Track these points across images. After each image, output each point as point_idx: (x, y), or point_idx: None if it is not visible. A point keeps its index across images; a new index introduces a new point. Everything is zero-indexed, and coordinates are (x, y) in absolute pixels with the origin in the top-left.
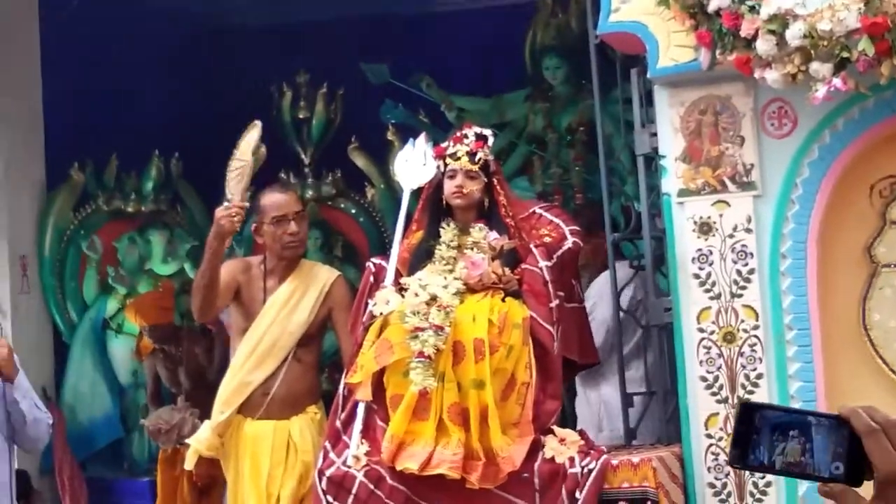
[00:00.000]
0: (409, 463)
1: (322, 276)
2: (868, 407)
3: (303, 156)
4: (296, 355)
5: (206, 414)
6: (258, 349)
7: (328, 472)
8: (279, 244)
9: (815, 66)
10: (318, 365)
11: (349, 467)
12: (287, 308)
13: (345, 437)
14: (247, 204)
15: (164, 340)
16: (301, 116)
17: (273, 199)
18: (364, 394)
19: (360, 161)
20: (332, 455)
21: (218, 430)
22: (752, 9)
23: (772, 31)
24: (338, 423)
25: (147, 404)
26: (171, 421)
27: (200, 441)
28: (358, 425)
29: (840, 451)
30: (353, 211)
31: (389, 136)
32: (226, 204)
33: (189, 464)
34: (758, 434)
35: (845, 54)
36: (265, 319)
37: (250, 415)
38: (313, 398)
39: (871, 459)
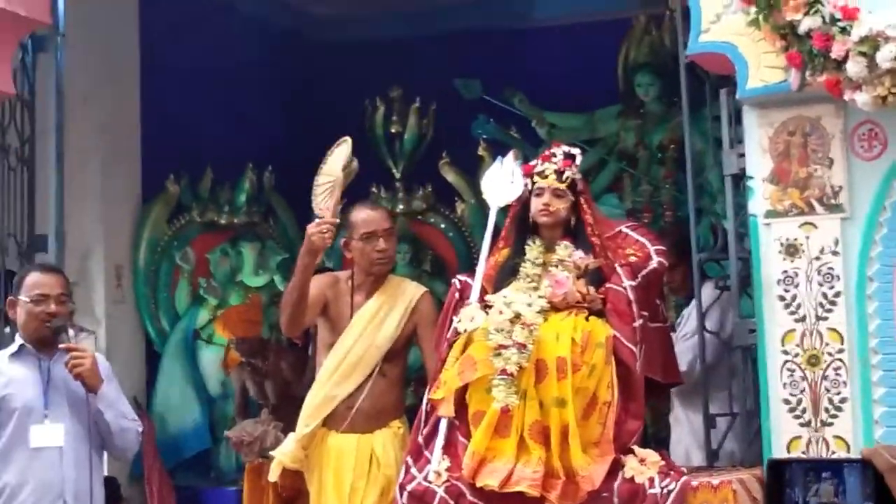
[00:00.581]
0: (490, 479)
1: (409, 291)
2: (890, 446)
3: (394, 170)
4: (381, 370)
5: (290, 427)
6: (344, 363)
7: (409, 487)
8: (367, 260)
9: None
10: (404, 380)
11: (430, 482)
12: (374, 323)
13: (426, 453)
14: (337, 220)
15: (251, 354)
16: (393, 131)
17: (363, 216)
18: (447, 410)
19: (450, 176)
20: (413, 470)
21: (302, 443)
22: (843, 30)
23: (863, 53)
24: (420, 439)
25: (234, 416)
26: (253, 433)
27: (285, 453)
28: (440, 441)
29: (868, 491)
30: (443, 226)
31: (480, 151)
32: (317, 220)
33: (273, 475)
34: (790, 486)
35: None
36: (352, 334)
37: (335, 428)
38: (397, 413)
39: (894, 495)
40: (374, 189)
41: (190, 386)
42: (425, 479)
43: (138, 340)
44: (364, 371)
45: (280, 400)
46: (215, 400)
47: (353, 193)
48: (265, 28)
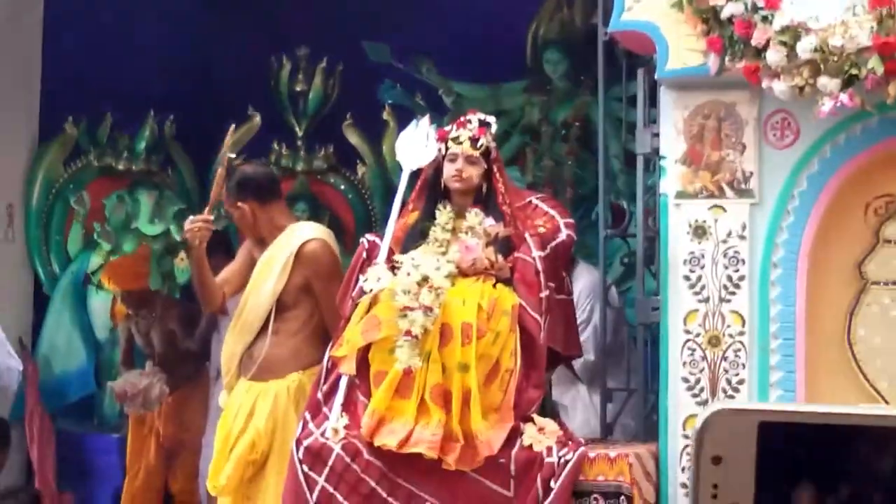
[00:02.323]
0: (388, 439)
1: (293, 241)
2: None
3: (297, 128)
4: (273, 325)
5: (175, 379)
6: (240, 320)
7: (306, 442)
8: None
9: (824, 81)
10: (310, 331)
11: (327, 439)
12: (261, 278)
13: (325, 409)
14: (211, 217)
15: (138, 306)
16: (298, 89)
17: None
18: (348, 367)
19: (353, 138)
20: (310, 426)
21: (228, 390)
22: (765, 19)
23: (783, 43)
24: (319, 395)
25: (120, 365)
26: (138, 385)
27: (223, 400)
28: (339, 398)
29: None
30: (343, 187)
31: (385, 115)
32: (191, 217)
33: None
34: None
35: (854, 71)
36: (245, 291)
37: (243, 375)
38: (297, 365)
39: None
40: (275, 145)
41: (77, 330)
42: (322, 435)
43: (27, 281)
44: (255, 326)
45: (166, 351)
46: (102, 345)
47: (255, 148)
48: None
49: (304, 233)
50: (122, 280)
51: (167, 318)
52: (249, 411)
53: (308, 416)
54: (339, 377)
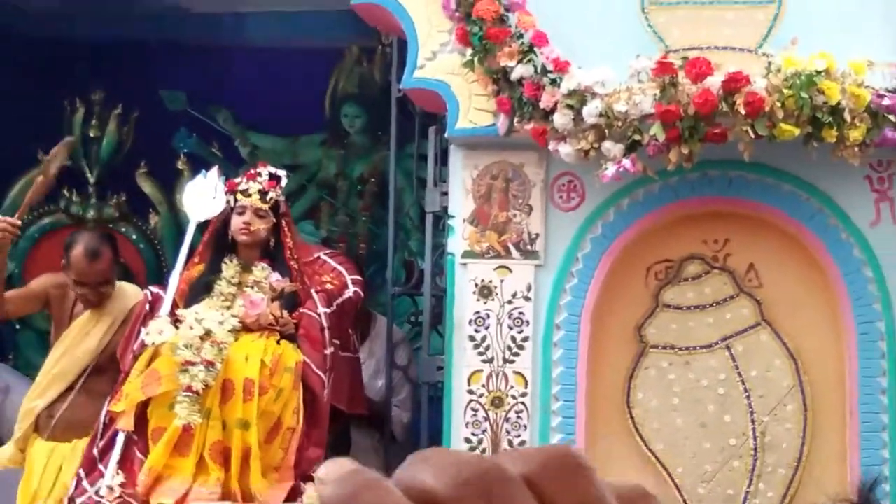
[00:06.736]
0: (165, 498)
1: (124, 300)
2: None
3: (88, 174)
4: (85, 384)
5: None
6: (49, 375)
7: (79, 501)
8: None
9: (608, 145)
10: None
11: (101, 498)
12: (82, 334)
13: (101, 466)
14: (19, 222)
15: None
16: (92, 135)
17: (76, 265)
18: (126, 423)
19: (146, 187)
20: (84, 483)
21: (18, 445)
22: (554, 82)
23: (570, 106)
24: (95, 451)
25: None
26: None
27: (4, 454)
28: (115, 455)
29: None
30: (134, 236)
31: (180, 164)
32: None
33: None
34: None
35: (637, 137)
36: (61, 345)
37: (41, 435)
38: None
39: None
40: (65, 192)
41: None
42: (97, 493)
43: None
44: (64, 383)
45: None
46: None
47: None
48: None
49: (133, 292)
50: None
51: None
52: (56, 472)
53: (82, 474)
54: (116, 433)
